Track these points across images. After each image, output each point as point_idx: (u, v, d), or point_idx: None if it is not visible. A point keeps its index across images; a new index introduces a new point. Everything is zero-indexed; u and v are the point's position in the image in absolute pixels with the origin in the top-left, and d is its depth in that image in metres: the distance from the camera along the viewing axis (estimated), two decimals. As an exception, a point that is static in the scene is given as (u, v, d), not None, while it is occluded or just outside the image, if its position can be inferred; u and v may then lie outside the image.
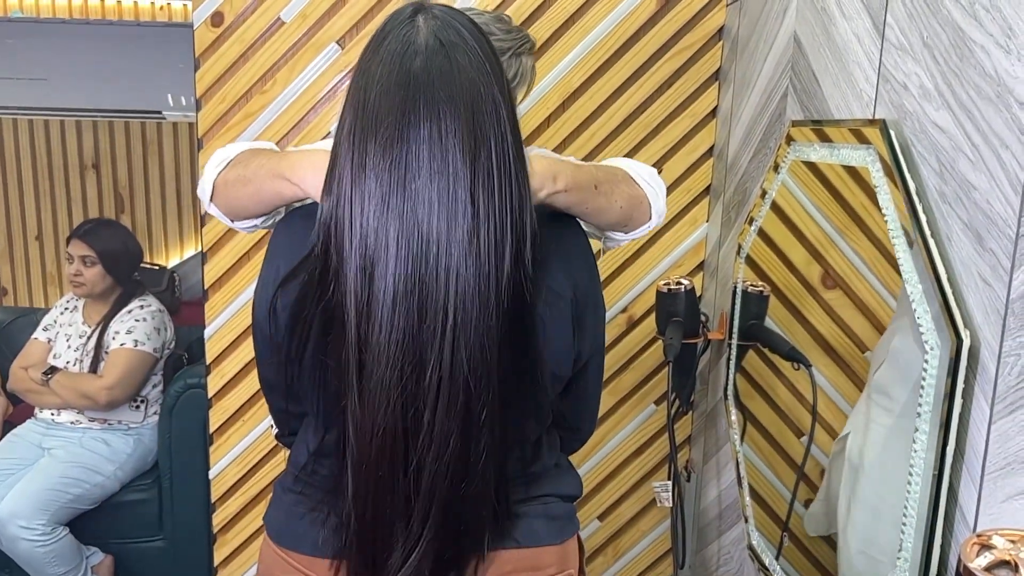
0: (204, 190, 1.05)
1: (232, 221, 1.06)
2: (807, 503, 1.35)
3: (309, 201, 0.97)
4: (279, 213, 1.04)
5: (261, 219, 1.04)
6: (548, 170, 0.93)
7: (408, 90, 0.79)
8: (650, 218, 1.10)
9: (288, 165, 0.94)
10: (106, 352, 2.50)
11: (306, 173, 0.92)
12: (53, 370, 2.49)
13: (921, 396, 0.91)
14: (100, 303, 2.58)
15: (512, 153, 0.82)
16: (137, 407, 2.55)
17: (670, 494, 1.81)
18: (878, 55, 1.09)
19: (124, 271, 2.61)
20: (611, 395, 2.01)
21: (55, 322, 2.66)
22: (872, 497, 1.07)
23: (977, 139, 0.86)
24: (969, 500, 0.87)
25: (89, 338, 2.54)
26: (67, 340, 2.58)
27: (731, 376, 1.63)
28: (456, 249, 0.78)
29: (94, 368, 2.50)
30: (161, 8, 3.56)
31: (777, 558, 1.41)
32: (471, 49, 0.82)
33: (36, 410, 2.60)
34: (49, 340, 2.63)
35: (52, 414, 2.54)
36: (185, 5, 3.52)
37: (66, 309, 2.66)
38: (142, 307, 2.57)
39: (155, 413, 2.57)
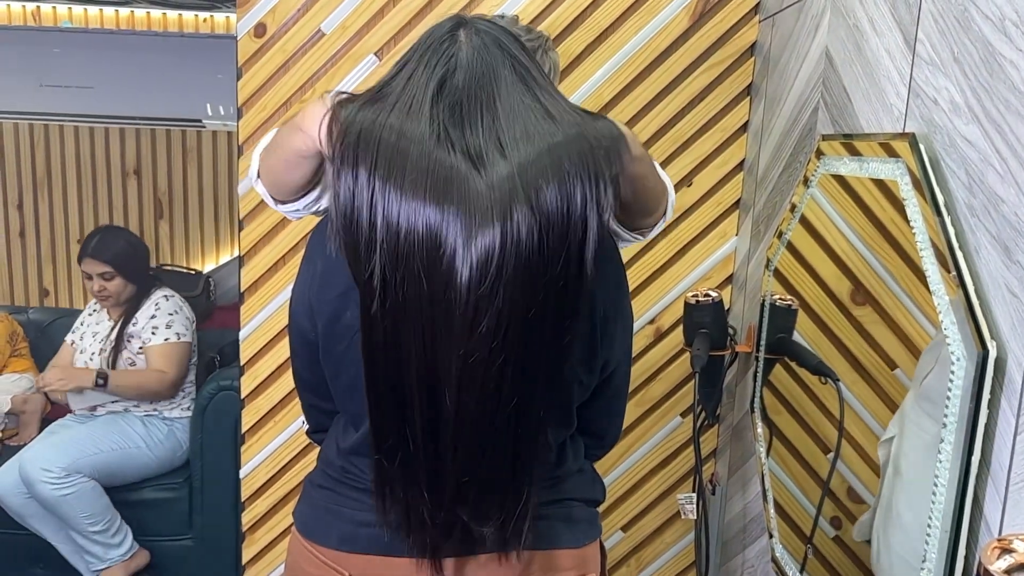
0: (252, 167, 1.03)
1: (276, 203, 1.02)
2: (832, 519, 1.34)
3: None
4: (321, 199, 1.00)
5: (302, 200, 1.00)
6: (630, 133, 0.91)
7: (451, 103, 0.82)
8: (665, 213, 1.06)
9: (300, 116, 0.90)
10: (128, 341, 2.60)
11: (310, 118, 0.87)
12: (103, 375, 2.54)
13: (947, 406, 0.91)
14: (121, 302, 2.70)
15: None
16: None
17: (694, 506, 1.81)
18: (909, 70, 1.10)
19: (139, 271, 2.71)
20: (637, 406, 2.01)
21: (82, 323, 2.77)
22: (917, 502, 1.05)
23: (1006, 152, 0.86)
24: (994, 511, 0.87)
25: (112, 330, 2.64)
26: (93, 336, 2.69)
27: (758, 389, 1.63)
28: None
29: (114, 357, 2.59)
30: (204, 20, 3.66)
31: (801, 572, 1.41)
32: (511, 60, 0.85)
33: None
34: (73, 343, 2.74)
35: (90, 409, 2.63)
36: (228, 17, 3.62)
37: (94, 311, 2.77)
38: (167, 298, 2.69)
39: (188, 408, 2.66)
